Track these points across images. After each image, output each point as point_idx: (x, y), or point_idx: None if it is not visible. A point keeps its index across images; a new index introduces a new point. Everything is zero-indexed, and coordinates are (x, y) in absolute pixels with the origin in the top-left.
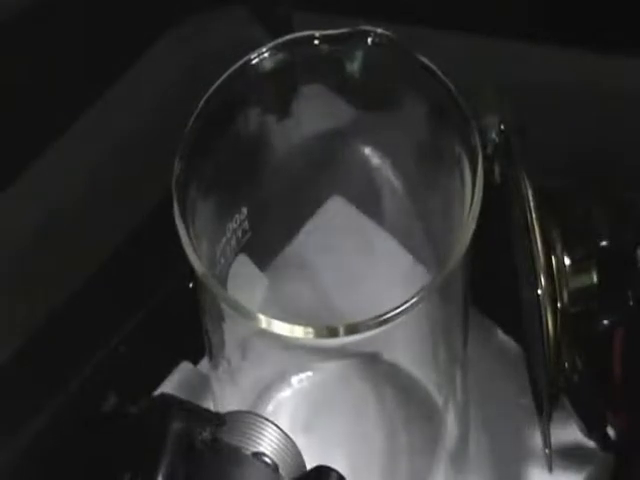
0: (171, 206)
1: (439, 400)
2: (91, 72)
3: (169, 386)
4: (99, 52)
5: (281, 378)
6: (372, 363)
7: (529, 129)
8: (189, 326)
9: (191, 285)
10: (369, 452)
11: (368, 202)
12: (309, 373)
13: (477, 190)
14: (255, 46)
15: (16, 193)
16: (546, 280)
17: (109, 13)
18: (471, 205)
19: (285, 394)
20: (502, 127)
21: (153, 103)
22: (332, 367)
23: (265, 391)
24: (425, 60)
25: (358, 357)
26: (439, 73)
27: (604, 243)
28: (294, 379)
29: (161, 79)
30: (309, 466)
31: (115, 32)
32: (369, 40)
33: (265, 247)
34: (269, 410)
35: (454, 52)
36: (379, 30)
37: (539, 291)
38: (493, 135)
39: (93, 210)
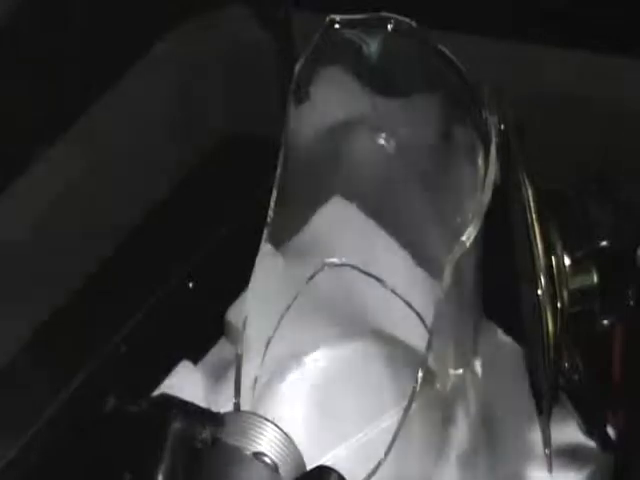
0: (171, 206)
1: (450, 394)
2: (92, 72)
3: (169, 386)
4: (100, 52)
5: (294, 358)
6: (388, 345)
7: (529, 129)
8: (189, 326)
9: (191, 285)
10: (382, 434)
11: (380, 191)
12: (323, 352)
13: (491, 163)
14: (255, 46)
15: (16, 193)
16: (546, 280)
17: (110, 13)
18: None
19: (299, 374)
20: (502, 127)
21: (153, 103)
22: (346, 348)
23: (278, 371)
24: (443, 48)
25: (374, 338)
26: (456, 61)
27: (604, 243)
28: (308, 359)
29: (162, 79)
30: (311, 459)
31: (116, 32)
32: (389, 26)
33: (281, 231)
34: (282, 390)
35: (454, 52)
36: (399, 17)
37: (539, 291)
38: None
39: (93, 210)
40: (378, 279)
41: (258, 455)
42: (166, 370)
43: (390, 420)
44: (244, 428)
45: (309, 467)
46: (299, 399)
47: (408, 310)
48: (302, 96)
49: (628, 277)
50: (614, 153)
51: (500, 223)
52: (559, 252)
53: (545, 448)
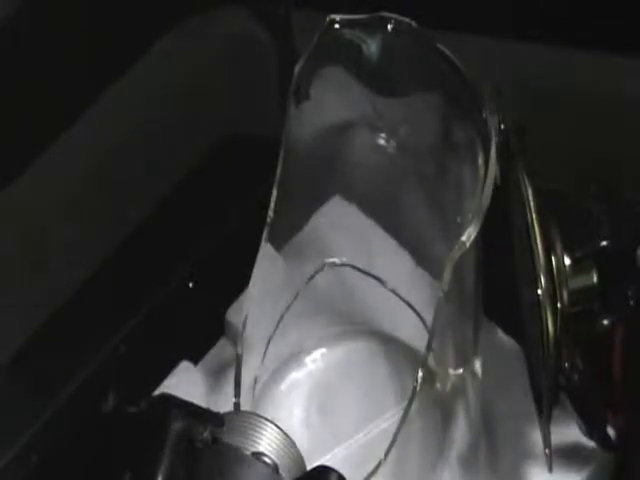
0: (171, 205)
1: (450, 394)
2: (91, 72)
3: (169, 386)
4: (100, 52)
5: (294, 358)
6: (388, 345)
7: (529, 129)
8: (189, 326)
9: (191, 285)
10: (382, 434)
11: (380, 191)
12: (323, 352)
13: (491, 163)
14: (255, 46)
15: (17, 191)
16: (546, 280)
17: (110, 13)
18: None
19: (299, 374)
20: (502, 127)
21: (153, 103)
22: (346, 348)
23: (278, 371)
24: (443, 48)
25: (374, 337)
26: (456, 61)
27: (604, 243)
28: (308, 359)
29: (161, 79)
30: (311, 460)
31: (116, 32)
32: (389, 26)
33: (281, 232)
34: (282, 390)
35: (454, 52)
36: (399, 17)
37: (539, 291)
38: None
39: (93, 209)
40: (378, 279)
41: (258, 455)
42: (166, 370)
43: (390, 420)
44: (244, 428)
45: (309, 467)
46: (299, 399)
47: (408, 310)
48: (302, 96)
49: (628, 277)
50: (614, 154)
51: (500, 223)
52: (559, 252)
53: (545, 448)
